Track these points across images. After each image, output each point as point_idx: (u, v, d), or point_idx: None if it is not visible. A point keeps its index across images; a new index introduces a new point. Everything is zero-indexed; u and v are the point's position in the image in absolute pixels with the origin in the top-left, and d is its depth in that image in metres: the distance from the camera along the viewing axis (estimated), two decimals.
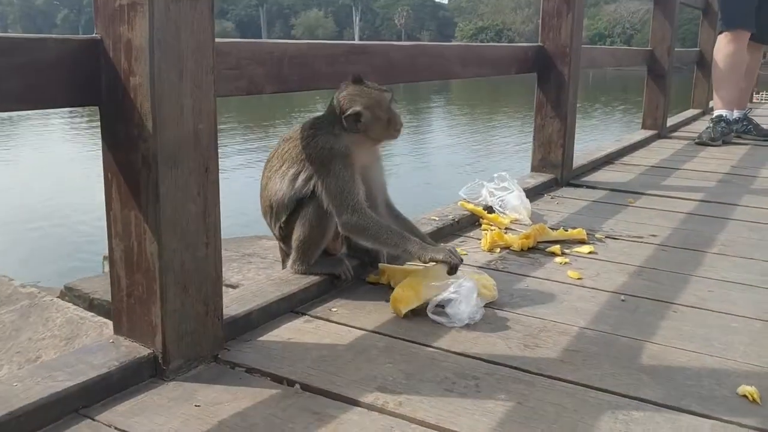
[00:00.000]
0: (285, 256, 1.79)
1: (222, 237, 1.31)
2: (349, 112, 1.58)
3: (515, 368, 1.31)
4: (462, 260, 1.59)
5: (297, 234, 1.64)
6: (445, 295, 1.52)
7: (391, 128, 1.65)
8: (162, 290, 1.19)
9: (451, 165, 10.33)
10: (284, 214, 1.65)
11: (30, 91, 1.07)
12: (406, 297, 1.53)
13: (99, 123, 1.21)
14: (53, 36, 1.10)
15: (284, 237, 1.69)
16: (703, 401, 1.21)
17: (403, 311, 1.52)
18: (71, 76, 1.13)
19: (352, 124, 1.59)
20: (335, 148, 1.59)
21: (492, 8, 73.67)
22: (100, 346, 1.24)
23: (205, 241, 1.26)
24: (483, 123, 16.87)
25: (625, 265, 1.95)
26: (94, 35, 1.17)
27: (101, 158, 1.22)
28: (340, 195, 1.58)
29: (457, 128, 16.20)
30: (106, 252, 1.28)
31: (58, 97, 1.13)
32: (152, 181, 1.16)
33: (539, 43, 2.98)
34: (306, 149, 1.61)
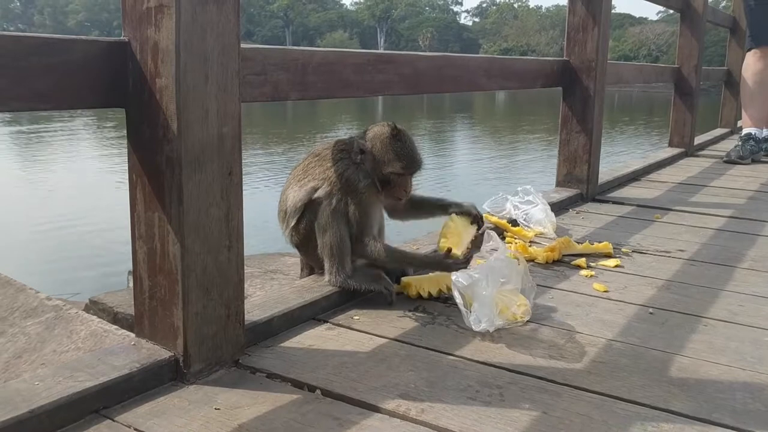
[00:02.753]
0: (303, 265, 1.80)
1: (246, 252, 1.31)
2: (357, 144, 1.63)
3: (540, 378, 1.28)
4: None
5: (321, 242, 1.63)
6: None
7: (392, 190, 1.65)
8: (184, 292, 1.19)
9: (474, 179, 10.30)
10: (293, 219, 1.66)
11: (59, 90, 1.08)
12: (418, 282, 1.69)
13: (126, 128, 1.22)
14: (82, 37, 1.12)
15: (297, 244, 1.71)
16: (736, 414, 1.17)
17: (413, 293, 1.68)
18: (99, 77, 1.14)
19: (356, 153, 1.62)
20: (352, 178, 1.61)
21: (516, 30, 73.90)
22: (121, 348, 1.24)
23: (227, 245, 1.26)
24: (506, 140, 16.82)
25: (653, 279, 1.91)
26: (121, 38, 1.18)
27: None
28: (356, 224, 1.62)
29: (480, 144, 16.17)
30: (131, 267, 1.28)
31: (86, 98, 1.14)
32: (176, 183, 1.17)
33: (565, 58, 2.97)
34: (329, 170, 1.63)
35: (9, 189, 9.32)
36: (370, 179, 1.62)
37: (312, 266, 1.76)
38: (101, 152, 13.38)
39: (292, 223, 1.67)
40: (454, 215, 1.73)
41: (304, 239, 1.67)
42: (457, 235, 1.68)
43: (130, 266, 1.31)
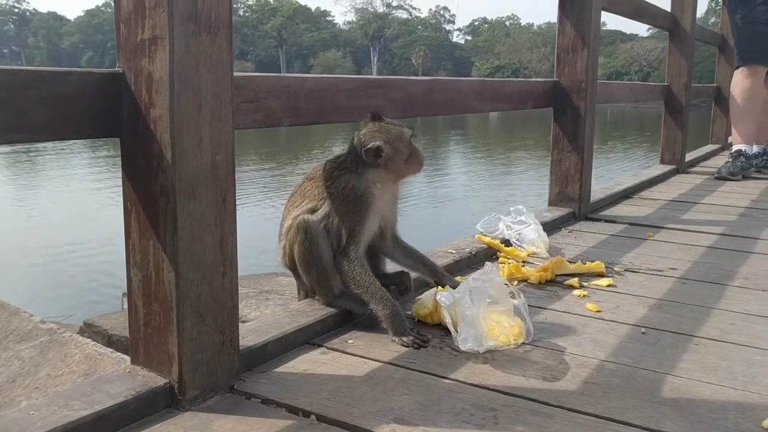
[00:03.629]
0: (299, 288, 1.80)
1: (239, 273, 1.32)
2: (369, 146, 1.60)
3: (534, 400, 1.29)
4: (423, 346, 1.54)
5: (302, 269, 1.64)
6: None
7: (411, 163, 1.67)
8: (179, 319, 1.20)
9: (467, 199, 10.34)
10: (284, 241, 1.67)
11: (55, 122, 1.10)
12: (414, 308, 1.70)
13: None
14: (77, 69, 1.13)
15: (289, 267, 1.71)
16: None
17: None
18: (94, 108, 1.15)
19: (373, 159, 1.60)
20: (356, 188, 1.61)
21: (508, 47, 74.52)
22: (116, 376, 1.24)
23: (221, 271, 1.27)
24: (500, 160, 16.89)
25: (645, 298, 1.93)
26: (116, 69, 1.20)
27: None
28: (346, 236, 1.60)
29: (474, 164, 16.24)
30: (125, 289, 1.29)
31: (82, 129, 1.15)
32: (170, 211, 1.18)
33: (555, 78, 3.00)
34: (328, 188, 1.63)
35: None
36: (371, 183, 1.62)
37: (306, 290, 1.77)
38: (91, 170, 13.40)
39: (282, 244, 1.69)
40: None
41: (292, 262, 1.68)
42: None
43: (124, 288, 1.32)
